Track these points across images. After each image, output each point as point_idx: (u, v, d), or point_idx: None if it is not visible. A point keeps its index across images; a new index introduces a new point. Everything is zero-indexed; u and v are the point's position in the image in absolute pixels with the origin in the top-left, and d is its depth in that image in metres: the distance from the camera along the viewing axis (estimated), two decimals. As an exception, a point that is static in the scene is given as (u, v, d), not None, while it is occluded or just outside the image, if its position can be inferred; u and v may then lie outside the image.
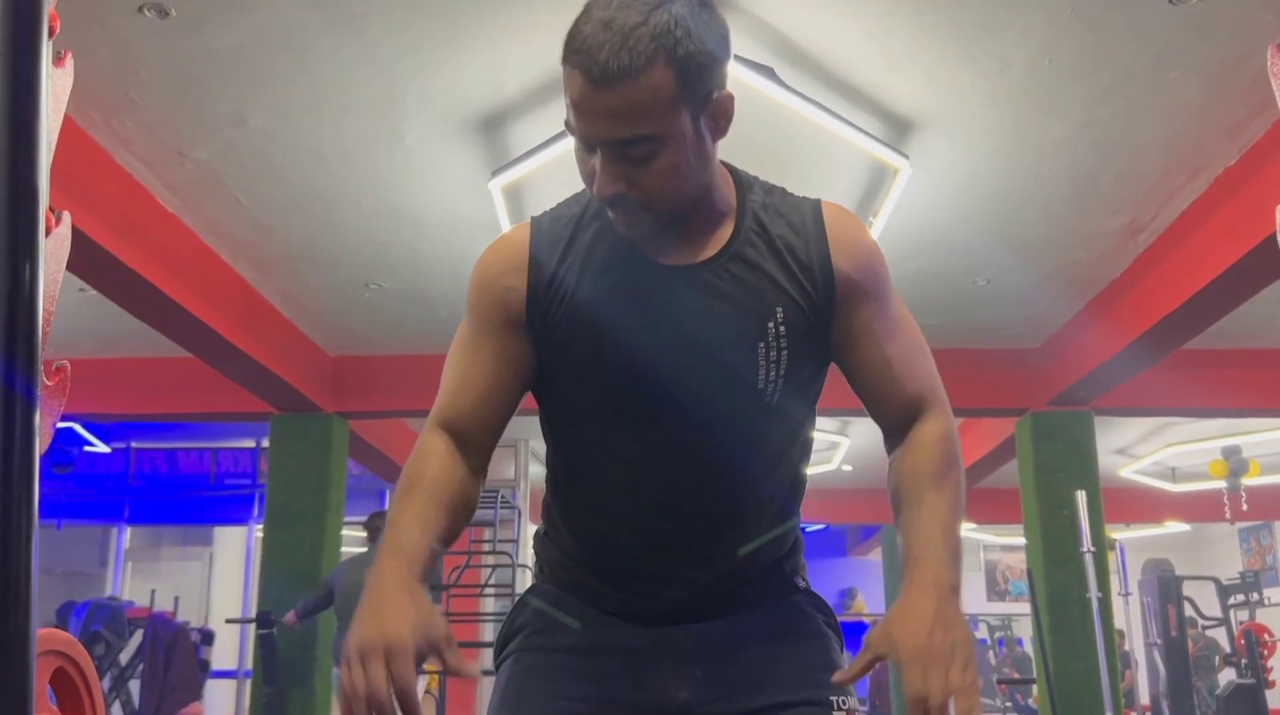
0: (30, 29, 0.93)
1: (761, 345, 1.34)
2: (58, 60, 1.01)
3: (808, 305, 1.36)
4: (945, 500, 1.34)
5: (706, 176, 1.33)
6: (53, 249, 0.99)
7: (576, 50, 1.21)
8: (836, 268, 1.36)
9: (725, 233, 1.37)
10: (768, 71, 3.66)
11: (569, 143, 4.45)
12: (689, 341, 1.34)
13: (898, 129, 4.28)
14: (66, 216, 1.00)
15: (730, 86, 1.31)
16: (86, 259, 4.53)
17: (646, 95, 1.20)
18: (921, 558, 1.28)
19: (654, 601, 1.43)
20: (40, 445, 0.94)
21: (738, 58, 3.54)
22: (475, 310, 1.43)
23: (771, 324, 1.34)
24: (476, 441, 1.41)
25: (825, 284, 1.36)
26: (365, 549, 7.06)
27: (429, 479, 1.34)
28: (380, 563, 1.24)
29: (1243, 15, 3.59)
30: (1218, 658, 10.43)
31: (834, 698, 1.39)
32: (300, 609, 6.78)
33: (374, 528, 6.76)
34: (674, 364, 1.34)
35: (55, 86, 1.03)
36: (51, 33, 0.98)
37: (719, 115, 1.29)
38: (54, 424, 0.99)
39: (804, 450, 1.49)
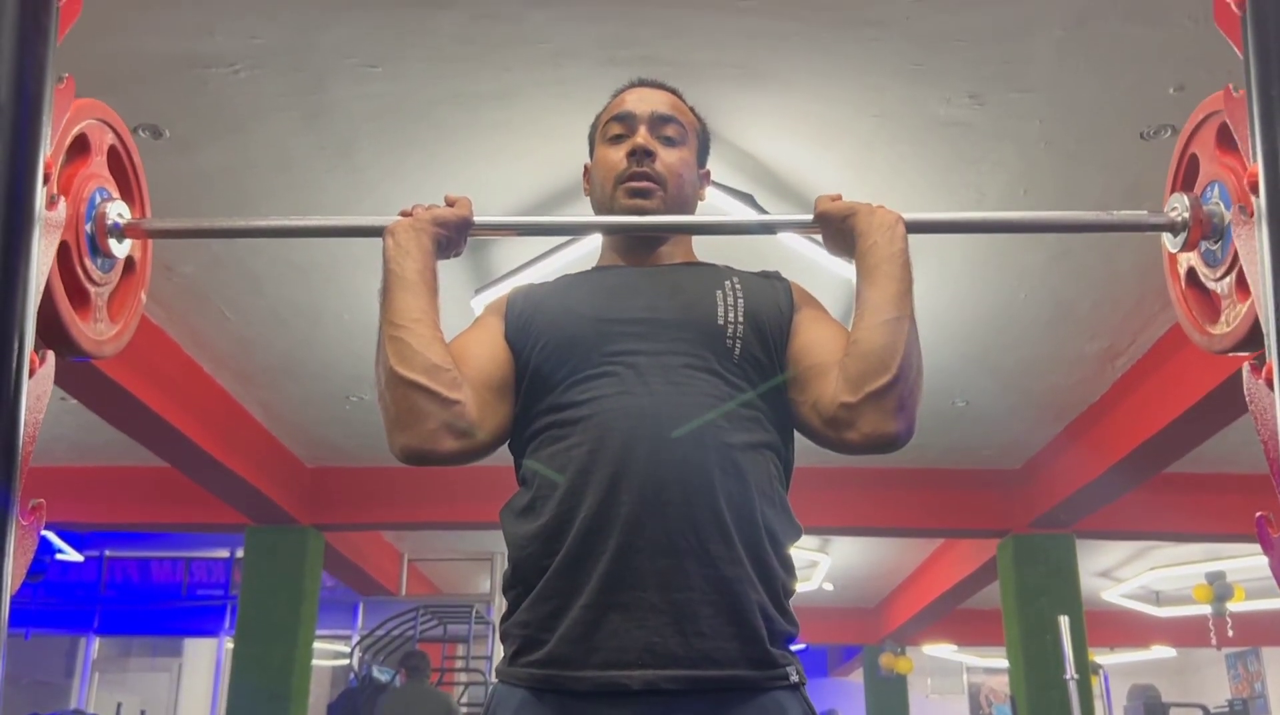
0: (24, 177, 0.95)
1: (719, 292, 1.54)
2: (50, 204, 1.04)
3: (769, 301, 1.57)
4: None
5: (691, 210, 1.68)
6: (34, 389, 1.00)
7: (638, 81, 1.72)
8: (793, 287, 1.64)
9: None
10: (747, 198, 3.73)
11: (550, 264, 4.44)
12: (651, 295, 1.55)
13: (877, 254, 4.33)
14: (51, 357, 1.01)
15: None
16: (67, 369, 4.52)
17: (683, 109, 1.70)
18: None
19: (632, 630, 1.35)
20: (11, 586, 0.94)
21: (718, 184, 3.61)
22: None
23: (728, 282, 1.56)
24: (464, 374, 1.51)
25: (785, 294, 1.60)
26: (403, 684, 6.96)
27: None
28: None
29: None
30: None
31: None
32: None
33: (412, 666, 6.67)
34: (639, 309, 1.53)
35: (47, 230, 1.05)
36: (47, 178, 1.00)
37: (704, 179, 1.75)
38: (26, 566, 0.98)
39: (778, 460, 1.50)
